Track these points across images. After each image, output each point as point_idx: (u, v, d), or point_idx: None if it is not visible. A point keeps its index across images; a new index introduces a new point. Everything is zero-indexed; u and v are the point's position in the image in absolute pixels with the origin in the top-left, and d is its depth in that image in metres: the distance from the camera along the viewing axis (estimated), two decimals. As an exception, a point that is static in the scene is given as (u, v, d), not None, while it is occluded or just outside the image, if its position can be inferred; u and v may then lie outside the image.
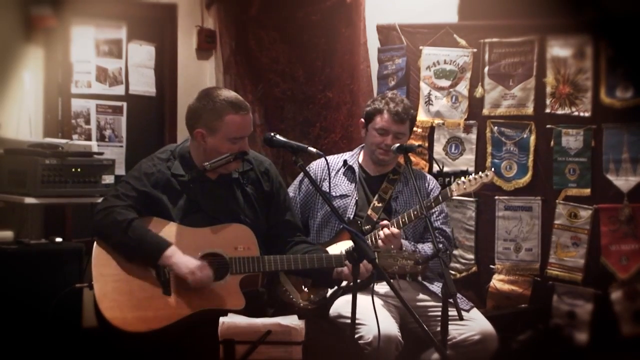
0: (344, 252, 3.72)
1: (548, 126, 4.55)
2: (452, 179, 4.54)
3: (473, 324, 3.59)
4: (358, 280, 2.92)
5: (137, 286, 3.12)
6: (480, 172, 3.78)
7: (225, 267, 3.20)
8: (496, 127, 4.63)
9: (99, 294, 3.09)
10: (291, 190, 3.86)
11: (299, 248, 3.41)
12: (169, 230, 3.21)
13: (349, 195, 3.86)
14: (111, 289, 3.10)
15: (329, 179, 3.88)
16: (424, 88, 4.70)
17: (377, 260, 2.93)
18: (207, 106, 3.26)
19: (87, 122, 4.64)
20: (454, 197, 3.79)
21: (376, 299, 3.10)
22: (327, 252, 3.45)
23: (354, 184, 3.89)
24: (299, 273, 3.49)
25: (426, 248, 3.75)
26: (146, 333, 3.05)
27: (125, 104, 4.82)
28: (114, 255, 3.15)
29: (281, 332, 2.74)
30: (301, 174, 3.83)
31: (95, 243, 3.18)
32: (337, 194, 3.87)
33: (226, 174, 3.34)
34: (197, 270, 3.11)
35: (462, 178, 3.75)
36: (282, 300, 3.57)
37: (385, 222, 3.66)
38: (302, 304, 3.54)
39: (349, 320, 2.94)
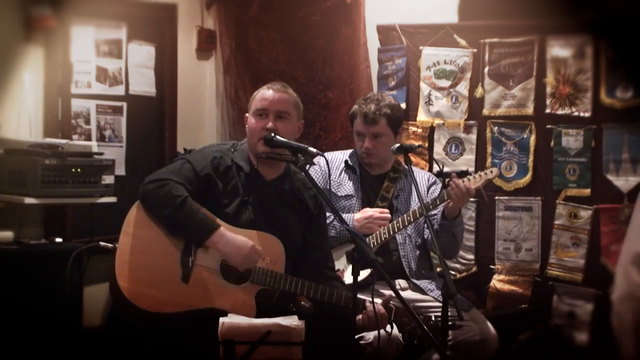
0: (347, 252, 3.74)
1: (548, 126, 4.55)
2: (453, 179, 4.56)
3: (473, 324, 3.59)
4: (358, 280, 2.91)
5: (159, 265, 3.09)
6: (485, 169, 3.77)
7: (247, 274, 3.18)
8: (496, 127, 4.63)
9: (119, 260, 3.06)
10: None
11: (332, 285, 3.29)
12: None
13: (353, 196, 3.86)
14: (134, 259, 3.07)
15: (329, 177, 3.87)
16: (424, 88, 4.70)
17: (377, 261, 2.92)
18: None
19: (87, 122, 4.63)
20: None
21: (376, 299, 3.10)
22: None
23: (357, 184, 3.89)
24: (320, 307, 3.34)
25: None
26: (153, 313, 3.03)
27: (125, 104, 4.81)
28: (147, 227, 3.11)
29: (281, 333, 2.74)
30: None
31: (134, 209, 3.13)
32: (342, 195, 3.87)
33: (280, 182, 3.34)
34: (246, 261, 3.12)
35: (467, 177, 3.75)
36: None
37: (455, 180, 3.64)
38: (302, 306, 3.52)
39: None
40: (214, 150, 3.30)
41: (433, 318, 3.21)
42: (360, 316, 3.14)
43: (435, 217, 3.78)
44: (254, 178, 3.29)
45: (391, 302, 3.34)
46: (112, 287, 3.07)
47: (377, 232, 3.73)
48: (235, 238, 3.13)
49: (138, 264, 3.07)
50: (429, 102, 4.69)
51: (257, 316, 3.10)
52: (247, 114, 3.36)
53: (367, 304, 3.13)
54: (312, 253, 3.37)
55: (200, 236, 3.11)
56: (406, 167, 3.63)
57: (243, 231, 3.19)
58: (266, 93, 3.31)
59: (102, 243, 3.28)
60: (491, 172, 3.76)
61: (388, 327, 3.13)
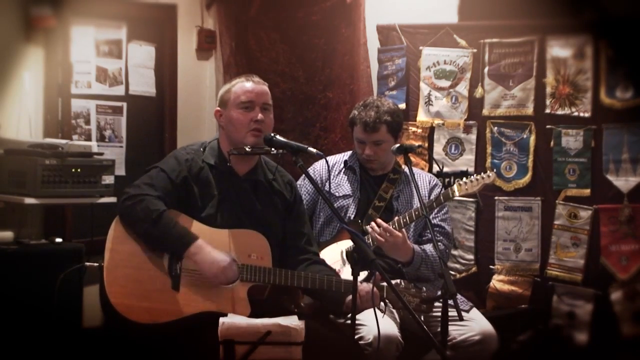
0: (344, 251, 3.75)
1: (548, 126, 4.56)
2: (452, 180, 4.57)
3: (473, 324, 3.59)
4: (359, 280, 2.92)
5: (148, 276, 3.10)
6: (482, 173, 3.78)
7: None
8: (496, 128, 4.63)
9: (108, 277, 3.07)
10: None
11: (315, 269, 3.35)
12: (189, 227, 3.18)
13: (351, 196, 3.86)
14: (121, 274, 3.08)
15: (329, 179, 3.88)
16: (424, 88, 4.70)
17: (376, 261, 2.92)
18: (225, 86, 3.36)
19: (87, 122, 4.64)
20: (456, 198, 3.79)
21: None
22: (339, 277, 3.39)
23: (355, 184, 3.89)
24: (309, 294, 3.46)
25: (428, 250, 3.74)
26: (148, 325, 3.04)
27: (125, 104, 4.82)
28: (130, 241, 3.12)
29: (281, 333, 2.74)
30: (302, 175, 3.82)
31: (114, 225, 3.16)
32: (339, 195, 3.87)
33: (254, 175, 3.34)
34: (221, 274, 3.11)
35: (464, 179, 3.75)
36: (280, 305, 3.56)
37: (377, 220, 3.64)
38: (302, 307, 3.53)
39: (349, 321, 2.94)
40: (185, 153, 3.30)
41: (424, 289, 3.22)
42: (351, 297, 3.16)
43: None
44: (228, 175, 3.30)
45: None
46: (104, 304, 3.08)
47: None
48: (212, 251, 3.13)
49: (127, 278, 3.08)
50: (428, 102, 4.69)
51: (254, 312, 3.11)
52: (218, 108, 3.34)
53: (359, 284, 3.14)
54: (294, 240, 3.40)
55: (177, 249, 3.12)
56: (406, 169, 3.63)
57: (225, 231, 3.21)
58: (248, 86, 3.29)
59: (87, 264, 3.29)
60: (488, 176, 3.76)
61: (382, 306, 3.15)
